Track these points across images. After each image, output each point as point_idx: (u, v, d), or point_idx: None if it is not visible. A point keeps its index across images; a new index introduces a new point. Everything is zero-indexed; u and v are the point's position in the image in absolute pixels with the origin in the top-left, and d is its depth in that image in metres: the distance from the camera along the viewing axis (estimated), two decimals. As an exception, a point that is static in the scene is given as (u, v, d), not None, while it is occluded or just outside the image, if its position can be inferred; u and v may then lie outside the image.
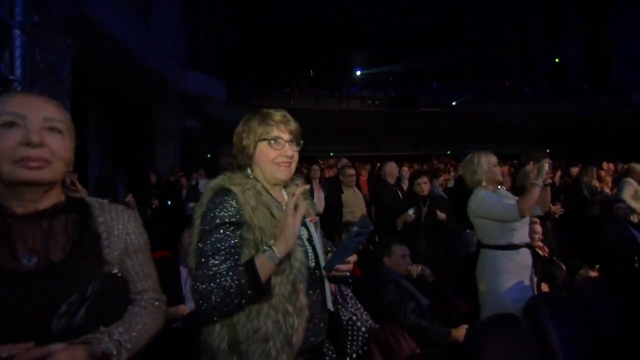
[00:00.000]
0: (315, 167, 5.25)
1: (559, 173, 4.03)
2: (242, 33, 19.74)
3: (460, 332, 1.81)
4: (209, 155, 15.68)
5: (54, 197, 0.85)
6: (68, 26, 6.50)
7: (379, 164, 6.58)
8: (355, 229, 1.02)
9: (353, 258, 1.09)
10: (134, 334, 0.84)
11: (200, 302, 0.96)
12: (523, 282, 2.04)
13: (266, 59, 19.88)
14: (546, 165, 2.00)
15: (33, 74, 6.57)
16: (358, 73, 22.67)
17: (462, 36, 19.86)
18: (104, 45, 7.19)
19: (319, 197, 4.59)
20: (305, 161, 17.32)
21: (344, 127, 16.55)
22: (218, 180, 1.10)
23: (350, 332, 1.64)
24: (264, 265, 0.97)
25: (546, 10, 18.95)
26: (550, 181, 2.06)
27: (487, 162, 2.20)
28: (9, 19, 2.94)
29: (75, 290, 0.76)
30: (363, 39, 20.71)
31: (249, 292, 0.96)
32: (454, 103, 16.15)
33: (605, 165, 5.45)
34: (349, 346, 1.62)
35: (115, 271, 0.83)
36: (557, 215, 3.97)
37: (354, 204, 4.07)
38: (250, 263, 0.98)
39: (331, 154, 18.51)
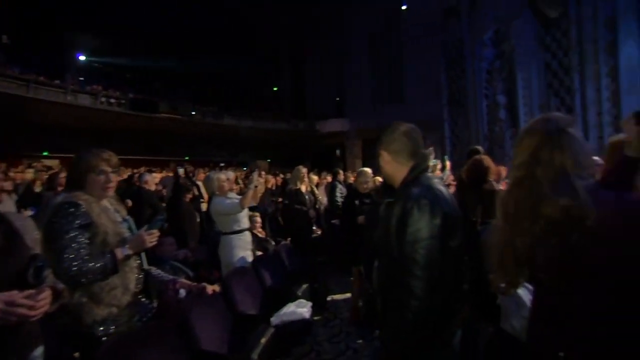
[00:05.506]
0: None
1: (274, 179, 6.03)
2: None
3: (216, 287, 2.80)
4: None
5: None
6: None
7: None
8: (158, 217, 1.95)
9: (155, 232, 1.75)
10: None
11: (71, 275, 1.43)
12: (247, 253, 3.35)
13: None
14: (256, 177, 3.38)
15: None
16: (82, 58, 19.21)
17: (212, 48, 19.84)
18: None
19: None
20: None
21: (68, 123, 13.99)
22: (64, 197, 1.58)
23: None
24: (119, 255, 1.57)
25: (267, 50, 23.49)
26: (257, 185, 3.45)
27: (218, 179, 3.28)
28: None
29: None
30: (90, 20, 17.08)
31: (111, 270, 1.53)
32: (193, 112, 17.27)
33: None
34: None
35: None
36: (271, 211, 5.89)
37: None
38: (112, 253, 1.54)
39: (45, 154, 15.05)
